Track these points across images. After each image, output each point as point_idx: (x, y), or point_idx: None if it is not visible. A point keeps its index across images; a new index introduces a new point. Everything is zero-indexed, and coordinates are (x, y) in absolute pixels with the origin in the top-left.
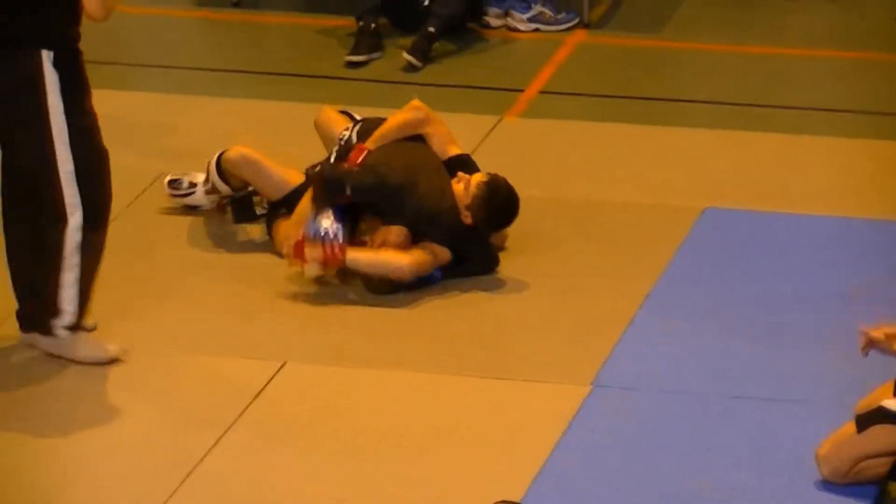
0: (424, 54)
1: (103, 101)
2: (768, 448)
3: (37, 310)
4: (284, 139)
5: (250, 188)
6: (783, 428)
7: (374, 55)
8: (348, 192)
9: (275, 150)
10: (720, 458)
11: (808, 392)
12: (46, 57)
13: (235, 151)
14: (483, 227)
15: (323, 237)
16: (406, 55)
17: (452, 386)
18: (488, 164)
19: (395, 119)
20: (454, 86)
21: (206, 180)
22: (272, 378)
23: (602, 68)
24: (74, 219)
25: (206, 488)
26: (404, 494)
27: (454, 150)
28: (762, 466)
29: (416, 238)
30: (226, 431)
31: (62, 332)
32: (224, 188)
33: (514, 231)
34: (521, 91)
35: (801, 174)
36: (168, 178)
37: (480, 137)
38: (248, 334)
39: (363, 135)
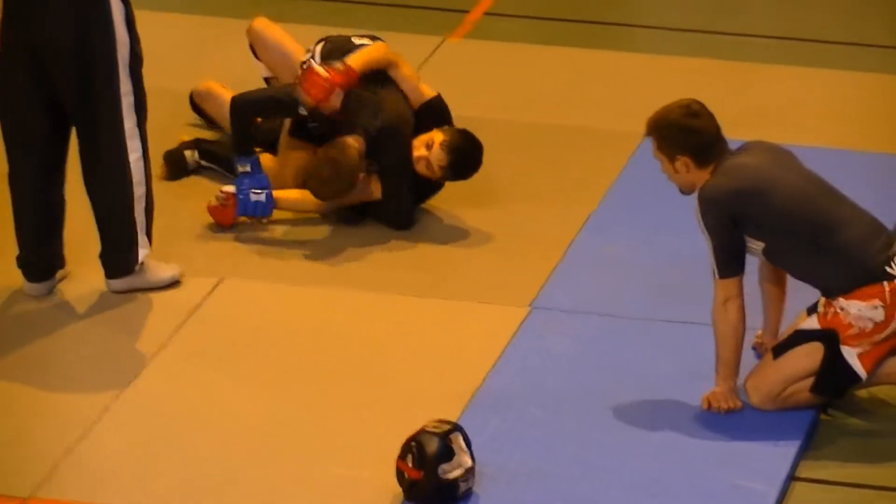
0: None
1: None
2: (704, 373)
3: (119, 246)
4: (227, 57)
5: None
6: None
7: None
8: (303, 112)
9: (215, 68)
10: (655, 383)
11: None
12: None
13: (201, 86)
14: (449, 179)
15: (252, 211)
16: None
17: (391, 305)
18: (430, 85)
19: (367, 51)
20: (397, 5)
21: None
22: (209, 294)
23: None
24: (136, 149)
25: (139, 406)
26: (341, 414)
27: (427, 91)
28: (697, 391)
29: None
30: (161, 349)
31: (138, 267)
32: (200, 119)
33: None
34: (466, 12)
35: (747, 101)
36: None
37: (423, 58)
38: (184, 251)
39: (328, 55)
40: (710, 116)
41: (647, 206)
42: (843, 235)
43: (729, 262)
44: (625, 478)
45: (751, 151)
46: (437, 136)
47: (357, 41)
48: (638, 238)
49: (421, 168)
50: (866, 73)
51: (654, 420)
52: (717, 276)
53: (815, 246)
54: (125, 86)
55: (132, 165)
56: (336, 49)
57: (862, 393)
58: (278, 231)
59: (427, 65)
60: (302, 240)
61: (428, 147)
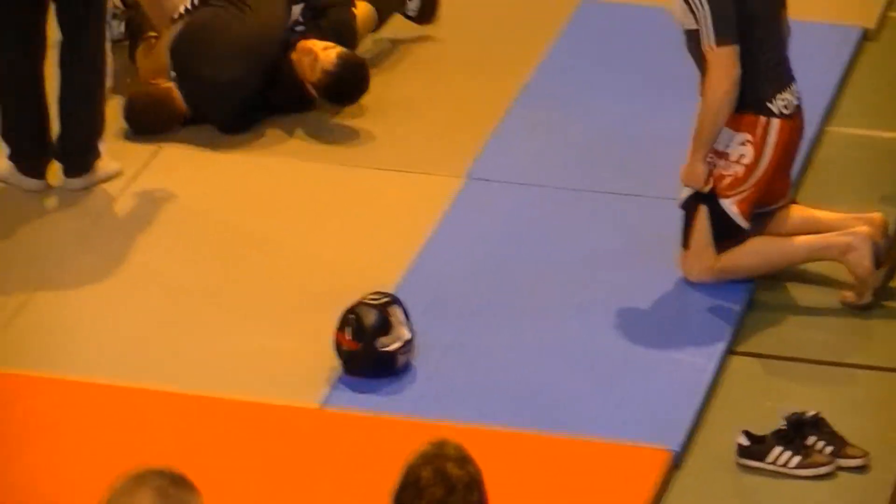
0: None
1: None
2: (642, 246)
3: (88, 140)
4: None
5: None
6: (652, 224)
7: None
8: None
9: None
10: (593, 255)
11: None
12: None
13: None
14: (329, 101)
15: None
16: None
17: (324, 175)
18: None
19: None
20: None
21: None
22: (148, 163)
23: None
24: (107, 37)
25: (71, 281)
26: (274, 285)
27: None
28: (636, 264)
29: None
30: (97, 219)
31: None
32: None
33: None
34: None
35: None
36: None
37: None
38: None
39: None
40: None
41: (582, 74)
42: (765, 52)
43: (727, 25)
44: (562, 352)
45: None
46: (328, 53)
47: None
48: (573, 106)
49: (305, 64)
50: None
51: (592, 294)
52: (713, 42)
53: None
54: None
55: (107, 53)
56: None
57: (795, 269)
58: None
59: None
60: None
61: (312, 59)
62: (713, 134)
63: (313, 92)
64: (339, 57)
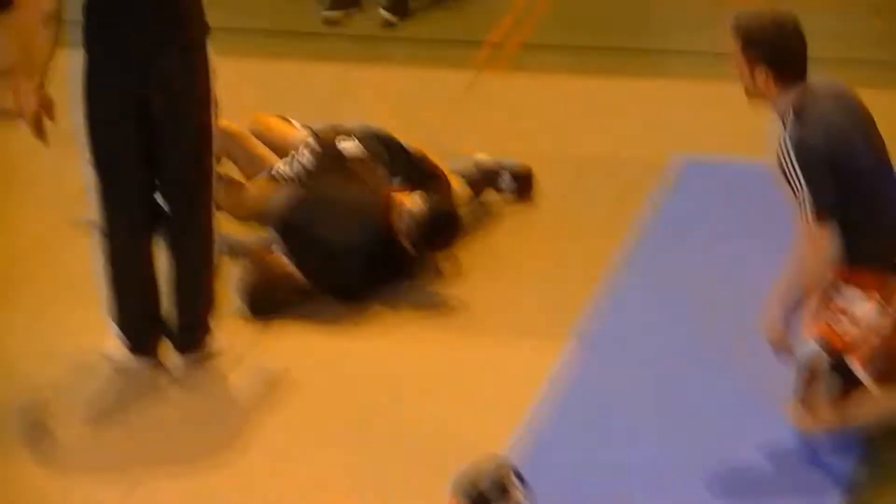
0: (403, 10)
1: (66, 60)
2: (748, 400)
3: (205, 314)
4: (265, 97)
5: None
6: (760, 380)
7: (351, 10)
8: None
9: (259, 108)
10: (700, 409)
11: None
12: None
13: (224, 125)
14: (424, 248)
15: None
16: (382, 11)
17: (429, 343)
18: (459, 120)
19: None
20: (433, 40)
21: None
22: (258, 339)
23: (579, 20)
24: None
25: (190, 455)
26: (387, 452)
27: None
28: (742, 417)
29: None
30: (211, 393)
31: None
32: None
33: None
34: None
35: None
36: None
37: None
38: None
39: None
40: (803, 37)
41: (685, 237)
42: (882, 208)
43: (825, 201)
44: None
45: (832, 103)
46: (410, 204)
47: (342, 144)
48: (681, 266)
49: (394, 216)
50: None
51: (701, 451)
52: (810, 218)
53: (855, 218)
54: (215, 142)
55: (217, 226)
56: (328, 158)
57: None
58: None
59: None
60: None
61: (399, 210)
62: (794, 302)
63: (409, 247)
64: (427, 201)
